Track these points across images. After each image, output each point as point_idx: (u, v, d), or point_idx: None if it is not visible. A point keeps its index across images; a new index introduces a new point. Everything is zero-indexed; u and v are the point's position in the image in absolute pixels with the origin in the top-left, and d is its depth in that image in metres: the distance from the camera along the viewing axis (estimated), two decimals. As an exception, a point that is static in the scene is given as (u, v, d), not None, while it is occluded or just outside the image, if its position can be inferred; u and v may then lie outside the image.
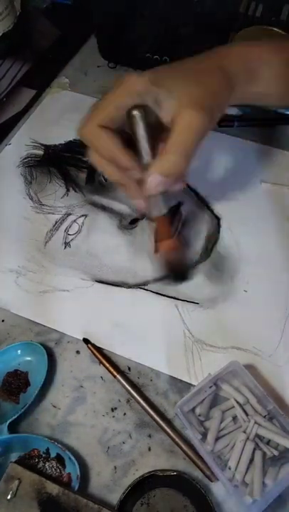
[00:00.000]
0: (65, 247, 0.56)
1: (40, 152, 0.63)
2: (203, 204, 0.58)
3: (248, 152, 0.63)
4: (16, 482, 0.41)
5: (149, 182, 0.41)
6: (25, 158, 0.63)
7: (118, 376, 0.48)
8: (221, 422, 0.44)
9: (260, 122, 0.65)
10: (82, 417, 0.47)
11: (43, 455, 0.44)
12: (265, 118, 0.65)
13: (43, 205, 0.58)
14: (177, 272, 0.47)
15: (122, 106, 0.41)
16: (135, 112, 0.41)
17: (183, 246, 0.53)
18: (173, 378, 0.48)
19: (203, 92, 0.41)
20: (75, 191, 0.58)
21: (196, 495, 0.41)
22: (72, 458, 0.43)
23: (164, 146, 0.40)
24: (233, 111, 0.65)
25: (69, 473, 0.43)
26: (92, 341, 0.50)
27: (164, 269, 0.46)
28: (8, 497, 0.40)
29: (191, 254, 0.54)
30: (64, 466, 0.44)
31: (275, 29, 0.67)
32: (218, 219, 0.57)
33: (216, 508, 0.41)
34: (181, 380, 0.48)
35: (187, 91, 0.41)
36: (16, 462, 0.43)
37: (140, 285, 0.53)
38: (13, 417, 0.45)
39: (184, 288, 0.53)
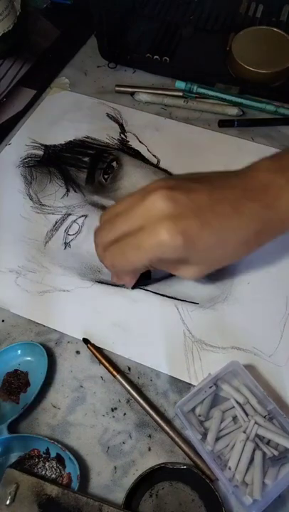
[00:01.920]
0: (65, 247, 0.56)
1: (40, 152, 0.63)
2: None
3: (248, 152, 0.62)
4: (14, 487, 0.41)
5: None
6: (25, 158, 0.63)
7: (118, 376, 0.48)
8: (221, 422, 0.44)
9: (260, 122, 0.65)
10: (82, 417, 0.47)
11: (43, 455, 0.44)
12: (264, 118, 0.65)
13: (43, 205, 0.58)
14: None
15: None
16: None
17: None
18: (173, 378, 0.48)
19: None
20: (75, 191, 0.58)
21: (205, 489, 0.42)
22: (72, 458, 0.43)
23: None
24: (233, 111, 0.65)
25: (69, 473, 0.43)
26: (92, 341, 0.50)
27: None
28: (7, 502, 0.40)
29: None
30: (64, 466, 0.44)
31: (275, 29, 0.67)
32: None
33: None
34: (181, 380, 0.48)
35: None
36: (12, 466, 0.43)
37: (140, 285, 0.53)
38: (13, 417, 0.45)
39: (184, 288, 0.53)
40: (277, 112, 0.65)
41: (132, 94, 0.68)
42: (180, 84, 0.67)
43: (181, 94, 0.67)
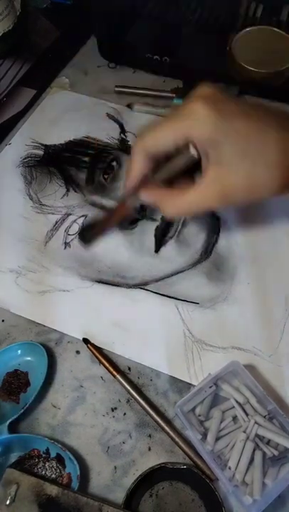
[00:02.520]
0: (65, 247, 0.56)
1: (40, 152, 0.63)
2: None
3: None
4: (14, 487, 0.41)
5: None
6: (25, 158, 0.63)
7: (118, 376, 0.48)
8: (221, 422, 0.44)
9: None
10: (82, 417, 0.47)
11: (43, 455, 0.44)
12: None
13: (43, 205, 0.58)
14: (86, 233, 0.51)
15: (175, 142, 0.41)
16: (194, 155, 0.41)
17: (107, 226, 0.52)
18: (173, 378, 0.48)
19: (244, 185, 0.40)
20: (75, 191, 0.58)
21: (205, 489, 0.42)
22: (72, 458, 0.43)
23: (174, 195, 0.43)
24: None
25: (69, 473, 0.43)
26: (92, 341, 0.50)
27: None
28: (7, 502, 0.40)
29: (190, 254, 0.54)
30: (64, 466, 0.44)
31: (276, 30, 0.67)
32: (218, 219, 0.57)
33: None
34: (181, 380, 0.48)
35: (233, 177, 0.40)
36: (12, 466, 0.43)
37: (140, 285, 0.53)
38: (13, 417, 0.45)
39: (184, 288, 0.53)
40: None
41: (129, 105, 0.67)
42: (178, 102, 0.66)
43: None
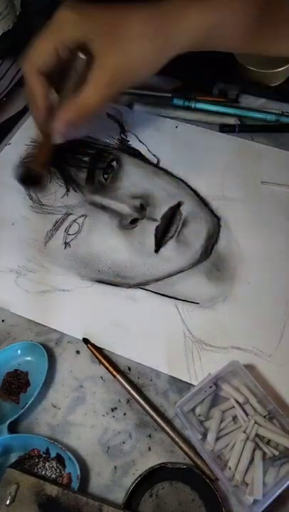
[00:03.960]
0: (65, 247, 0.56)
1: (40, 152, 0.63)
2: (203, 204, 0.58)
3: (248, 152, 0.62)
4: (14, 487, 0.41)
5: (55, 127, 0.48)
6: (25, 158, 0.63)
7: (118, 376, 0.48)
8: (221, 422, 0.44)
9: (262, 129, 0.64)
10: (82, 417, 0.47)
11: (43, 455, 0.44)
12: (265, 125, 0.65)
13: (43, 204, 0.58)
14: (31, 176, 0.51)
15: (55, 53, 0.45)
16: (82, 56, 0.44)
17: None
18: (173, 378, 0.48)
19: (123, 65, 0.45)
20: (75, 191, 0.58)
21: (205, 489, 0.42)
22: (72, 458, 0.43)
23: (72, 97, 0.46)
24: (232, 120, 0.65)
25: (69, 473, 0.43)
26: (92, 341, 0.50)
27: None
28: (7, 502, 0.40)
29: (191, 254, 0.54)
30: (64, 466, 0.44)
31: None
32: (218, 219, 0.57)
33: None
34: (181, 380, 0.48)
35: (112, 59, 0.44)
36: (12, 466, 0.43)
37: (140, 285, 0.53)
38: (13, 417, 0.45)
39: (184, 288, 0.53)
40: (279, 121, 0.64)
41: (130, 105, 0.67)
42: (178, 102, 0.66)
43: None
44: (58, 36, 0.45)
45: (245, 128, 0.64)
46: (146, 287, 0.53)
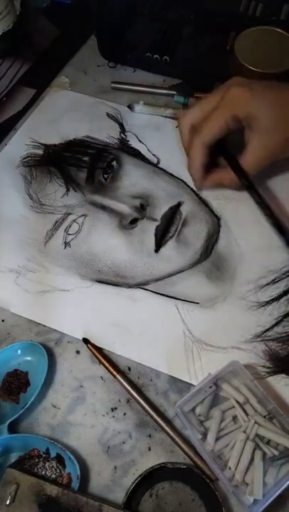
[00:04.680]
0: (65, 246, 0.56)
1: (40, 152, 0.63)
2: (203, 204, 0.58)
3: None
4: (14, 487, 0.41)
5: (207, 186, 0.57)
6: (25, 158, 0.63)
7: (118, 376, 0.48)
8: (221, 422, 0.44)
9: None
10: (82, 417, 0.47)
11: (43, 455, 0.44)
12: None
13: (43, 204, 0.58)
14: None
15: (226, 127, 0.51)
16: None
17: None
18: (173, 378, 0.48)
19: (281, 143, 0.51)
20: (75, 191, 0.58)
21: (205, 489, 0.42)
22: (72, 458, 0.43)
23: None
24: None
25: (69, 473, 0.43)
26: (92, 341, 0.50)
27: None
28: (7, 502, 0.40)
29: (191, 254, 0.54)
30: (64, 466, 0.44)
31: (279, 30, 0.67)
32: (218, 219, 0.57)
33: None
34: (181, 380, 0.48)
35: (273, 138, 0.51)
36: (12, 466, 0.43)
37: (140, 285, 0.53)
38: (13, 417, 0.45)
39: (184, 288, 0.53)
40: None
41: (130, 105, 0.67)
42: (179, 99, 0.66)
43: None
44: (232, 111, 0.50)
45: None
46: (146, 287, 0.53)
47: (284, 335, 0.49)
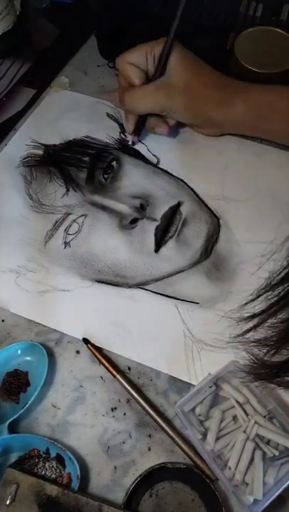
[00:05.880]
0: (65, 246, 0.56)
1: (40, 152, 0.63)
2: (203, 204, 0.58)
3: (248, 151, 0.62)
4: (14, 487, 0.41)
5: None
6: (25, 158, 0.63)
7: (118, 376, 0.48)
8: (221, 422, 0.44)
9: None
10: (82, 417, 0.47)
11: (43, 455, 0.44)
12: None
13: (43, 204, 0.58)
14: None
15: (146, 55, 0.58)
16: None
17: None
18: (173, 378, 0.48)
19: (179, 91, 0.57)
20: (75, 191, 0.58)
21: (205, 489, 0.42)
22: (72, 458, 0.43)
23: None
24: None
25: (69, 473, 0.43)
26: (92, 341, 0.50)
27: None
28: (7, 502, 0.40)
29: (190, 253, 0.54)
30: (64, 466, 0.44)
31: (279, 30, 0.67)
32: (218, 218, 0.57)
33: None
34: (181, 380, 0.48)
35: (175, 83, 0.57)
36: (12, 466, 0.43)
37: (140, 285, 0.54)
38: (13, 417, 0.45)
39: (184, 288, 0.53)
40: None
41: None
42: None
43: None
44: (152, 48, 0.57)
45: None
46: (146, 287, 0.53)
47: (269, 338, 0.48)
